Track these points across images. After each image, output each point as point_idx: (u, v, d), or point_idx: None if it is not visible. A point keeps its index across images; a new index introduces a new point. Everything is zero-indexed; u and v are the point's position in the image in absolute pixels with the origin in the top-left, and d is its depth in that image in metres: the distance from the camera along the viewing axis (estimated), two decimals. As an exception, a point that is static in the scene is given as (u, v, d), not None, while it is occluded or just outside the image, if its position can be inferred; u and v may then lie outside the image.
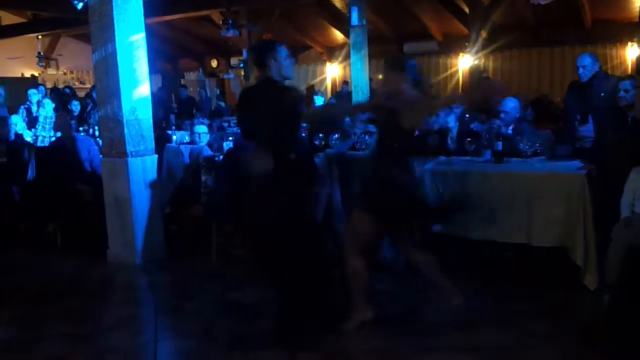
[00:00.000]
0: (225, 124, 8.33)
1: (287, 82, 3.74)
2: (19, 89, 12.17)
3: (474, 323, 3.83)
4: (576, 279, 4.24)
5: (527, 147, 4.75)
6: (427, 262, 3.84)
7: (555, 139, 5.70)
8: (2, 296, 4.76)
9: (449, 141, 5.11)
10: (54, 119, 8.33)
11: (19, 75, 16.51)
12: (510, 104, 5.43)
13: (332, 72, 16.64)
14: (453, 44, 14.07)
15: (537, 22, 12.92)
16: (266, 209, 3.61)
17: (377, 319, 3.90)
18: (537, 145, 4.77)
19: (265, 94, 3.69)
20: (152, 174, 5.42)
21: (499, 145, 4.79)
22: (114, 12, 5.04)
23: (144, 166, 5.33)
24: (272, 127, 3.58)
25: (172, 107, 11.93)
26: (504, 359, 3.45)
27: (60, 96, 10.64)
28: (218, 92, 16.09)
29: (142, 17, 5.28)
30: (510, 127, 5.31)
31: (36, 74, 16.77)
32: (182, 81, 17.57)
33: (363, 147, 5.19)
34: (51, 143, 6.73)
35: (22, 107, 9.37)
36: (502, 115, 5.31)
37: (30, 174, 6.37)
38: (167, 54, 17.34)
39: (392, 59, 3.86)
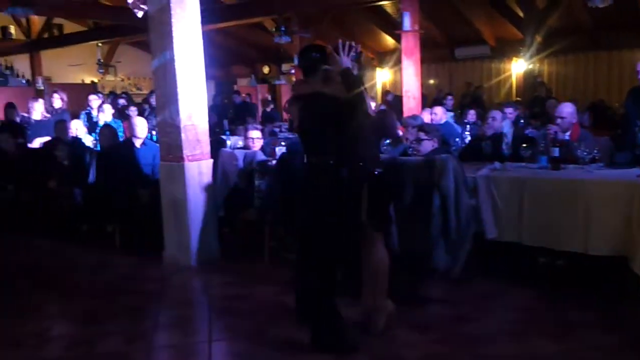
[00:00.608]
0: (277, 129, 8.44)
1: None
2: (80, 94, 12.62)
3: (527, 332, 3.77)
4: (635, 289, 4.12)
5: (585, 153, 4.65)
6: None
7: (613, 145, 5.56)
8: (66, 294, 4.97)
9: (504, 147, 5.03)
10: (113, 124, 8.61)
11: (80, 82, 17.13)
12: (567, 109, 5.34)
13: (383, 77, 16.62)
14: (506, 49, 13.84)
15: (595, 25, 12.57)
16: (304, 212, 3.68)
17: (429, 326, 3.90)
18: (595, 151, 4.67)
19: (312, 101, 3.68)
20: (208, 177, 5.55)
21: (556, 151, 4.70)
22: (173, 20, 5.19)
23: (199, 170, 5.46)
24: (316, 133, 3.61)
25: (226, 113, 12.13)
26: (561, 371, 3.39)
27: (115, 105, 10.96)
28: (270, 98, 16.30)
29: (200, 25, 5.41)
30: (567, 133, 5.21)
31: (96, 80, 17.36)
32: (235, 87, 17.86)
33: (414, 152, 5.17)
34: (112, 147, 6.93)
35: (83, 112, 9.72)
36: (558, 120, 5.21)
37: (92, 177, 6.61)
38: (220, 61, 17.65)
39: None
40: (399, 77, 13.61)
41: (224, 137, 7.12)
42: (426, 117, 7.40)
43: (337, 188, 3.53)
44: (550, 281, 4.61)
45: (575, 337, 3.68)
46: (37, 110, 9.09)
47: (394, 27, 12.27)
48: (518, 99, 12.98)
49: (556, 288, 4.47)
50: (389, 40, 15.21)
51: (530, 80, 13.05)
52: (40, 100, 9.46)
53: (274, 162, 5.48)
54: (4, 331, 4.28)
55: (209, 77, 5.73)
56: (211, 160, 5.61)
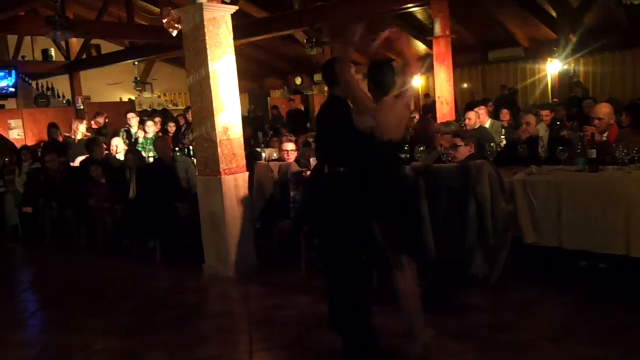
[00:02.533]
0: (311, 140, 8.50)
1: None
2: (118, 112, 12.92)
3: (569, 338, 3.72)
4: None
5: (624, 154, 4.56)
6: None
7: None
8: (110, 307, 5.10)
9: (540, 150, 4.97)
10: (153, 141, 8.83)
11: (118, 100, 17.54)
12: (604, 109, 5.25)
13: (415, 83, 16.56)
14: (540, 49, 13.64)
15: (630, 23, 12.29)
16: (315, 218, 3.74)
17: (468, 334, 3.88)
18: (635, 151, 4.57)
19: (328, 111, 3.73)
20: (244, 190, 5.63)
21: (593, 152, 4.62)
22: (206, 38, 5.30)
23: (236, 183, 5.55)
24: (329, 141, 3.67)
25: (262, 125, 12.26)
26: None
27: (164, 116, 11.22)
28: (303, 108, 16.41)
29: (232, 41, 5.52)
30: (605, 134, 5.12)
31: (133, 97, 17.76)
32: (269, 100, 18.04)
33: (449, 159, 5.16)
34: (151, 163, 7.13)
35: (122, 129, 9.98)
36: (595, 121, 5.13)
37: (132, 193, 6.77)
38: (253, 73, 17.87)
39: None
40: (431, 82, 13.56)
41: (258, 149, 7.22)
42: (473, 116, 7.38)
43: (341, 197, 3.54)
44: (592, 285, 4.52)
45: (619, 342, 3.60)
46: (80, 130, 9.37)
47: (425, 33, 12.26)
48: (555, 100, 12.78)
49: (598, 292, 4.38)
50: (421, 46, 15.13)
51: (565, 81, 12.84)
52: (84, 121, 9.75)
53: (308, 172, 5.53)
54: (52, 345, 4.43)
55: (242, 90, 5.82)
56: (247, 173, 5.69)
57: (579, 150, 4.87)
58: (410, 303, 3.57)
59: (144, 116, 11.23)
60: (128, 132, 9.62)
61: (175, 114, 13.68)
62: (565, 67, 12.74)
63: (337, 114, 3.66)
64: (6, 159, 8.67)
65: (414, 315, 3.59)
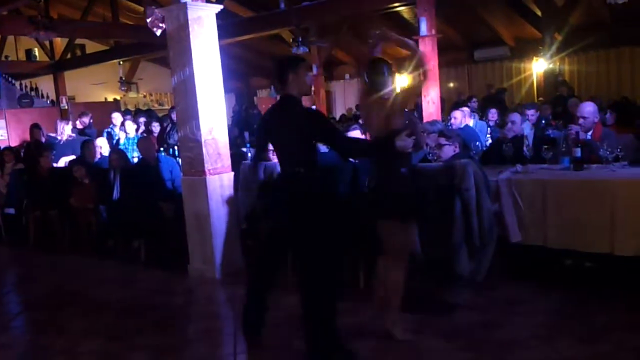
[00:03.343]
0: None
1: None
2: (103, 112, 12.82)
3: (557, 336, 3.72)
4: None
5: (608, 152, 4.58)
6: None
7: (638, 142, 5.47)
8: (92, 309, 5.04)
9: (525, 149, 4.99)
10: (135, 140, 8.76)
11: (103, 100, 17.41)
12: (589, 108, 5.27)
13: (402, 83, 16.57)
14: (526, 49, 13.72)
15: (615, 22, 12.40)
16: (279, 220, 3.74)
17: (456, 333, 3.88)
18: (619, 150, 4.59)
19: (285, 112, 3.66)
20: (230, 190, 5.59)
21: (578, 151, 4.65)
22: (191, 37, 5.26)
23: (221, 183, 5.51)
24: (289, 144, 3.62)
25: (248, 125, 12.21)
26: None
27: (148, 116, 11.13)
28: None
29: (217, 40, 5.48)
30: (589, 133, 5.14)
31: (118, 97, 17.63)
32: (255, 99, 17.99)
33: (435, 158, 5.16)
34: (135, 164, 7.07)
35: (105, 130, 9.89)
36: (580, 120, 5.15)
37: (116, 193, 6.71)
38: (239, 73, 17.81)
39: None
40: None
41: (244, 149, 7.18)
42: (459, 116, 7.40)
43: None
44: (577, 283, 4.54)
45: (606, 340, 3.62)
46: (66, 132, 9.27)
47: (411, 33, 12.28)
48: (540, 99, 12.85)
49: (584, 290, 4.40)
50: (407, 46, 15.17)
51: (551, 80, 12.93)
52: (70, 122, 9.66)
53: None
54: (35, 347, 4.37)
55: (228, 90, 5.79)
56: (232, 174, 5.66)
57: (564, 149, 4.90)
58: (394, 293, 3.67)
59: (127, 116, 11.11)
60: (111, 132, 9.54)
61: (161, 114, 13.60)
62: (551, 66, 12.82)
63: (296, 114, 3.59)
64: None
65: (395, 304, 3.68)
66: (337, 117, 15.03)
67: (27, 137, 10.10)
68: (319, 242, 3.53)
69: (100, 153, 8.01)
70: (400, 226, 3.64)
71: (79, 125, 9.80)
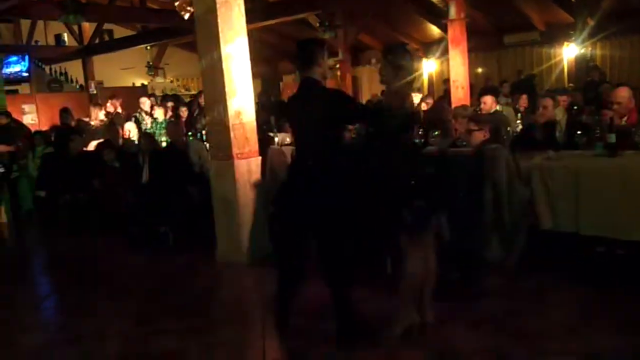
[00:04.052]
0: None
1: None
2: (131, 97, 12.94)
3: (587, 326, 3.66)
4: None
5: (644, 138, 4.46)
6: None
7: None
8: (120, 292, 5.11)
9: (557, 134, 4.88)
10: (163, 125, 8.82)
11: (131, 85, 17.56)
12: (623, 93, 5.14)
13: (429, 68, 16.39)
14: (557, 33, 13.43)
15: (650, 6, 12.08)
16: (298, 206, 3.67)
17: (484, 320, 3.83)
18: (655, 136, 4.47)
19: (306, 96, 3.58)
20: (257, 175, 5.59)
21: (613, 137, 4.53)
22: (219, 21, 5.23)
23: (248, 168, 5.51)
24: (307, 131, 3.58)
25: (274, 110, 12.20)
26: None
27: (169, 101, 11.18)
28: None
29: (245, 24, 5.45)
30: (624, 118, 5.01)
31: (146, 82, 17.76)
32: (281, 84, 17.97)
33: (464, 143, 5.08)
34: (163, 148, 7.12)
35: (133, 114, 9.97)
36: (615, 105, 5.03)
37: (145, 177, 6.76)
38: (266, 58, 17.79)
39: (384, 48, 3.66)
40: (446, 67, 13.42)
41: (271, 134, 7.15)
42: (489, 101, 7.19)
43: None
44: (609, 272, 4.45)
45: (638, 330, 3.54)
46: (99, 116, 9.40)
47: (439, 17, 12.11)
48: (570, 85, 12.60)
49: (616, 279, 4.31)
50: (435, 30, 14.98)
51: (582, 65, 12.66)
52: (102, 107, 9.78)
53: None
54: (64, 328, 4.45)
55: (255, 75, 5.76)
56: (260, 158, 5.65)
57: (597, 135, 4.78)
58: (410, 285, 3.54)
59: (155, 102, 11.18)
60: (140, 116, 9.62)
61: (187, 100, 13.67)
62: (582, 51, 12.54)
63: (317, 97, 3.52)
64: (20, 144, 8.70)
65: (407, 297, 3.56)
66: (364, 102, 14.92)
67: (57, 121, 10.23)
68: (331, 234, 3.54)
69: (123, 136, 8.11)
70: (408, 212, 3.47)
71: (110, 108, 9.89)
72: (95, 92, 14.49)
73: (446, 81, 14.33)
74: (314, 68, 3.56)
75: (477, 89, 11.82)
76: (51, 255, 7.00)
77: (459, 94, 8.94)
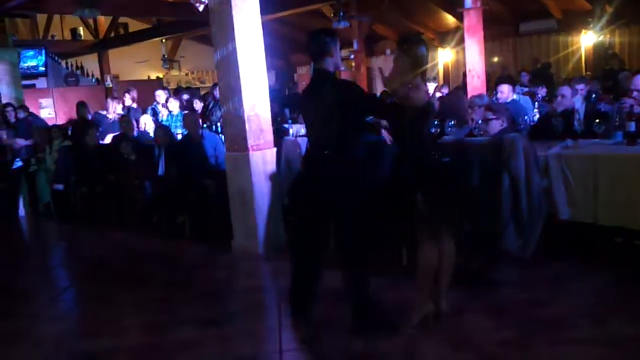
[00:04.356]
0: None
1: None
2: (147, 90, 13.00)
3: (605, 315, 3.62)
4: None
5: (664, 126, 4.39)
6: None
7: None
8: (138, 283, 5.15)
9: (576, 123, 4.82)
10: (179, 117, 8.85)
11: (146, 78, 17.64)
12: (644, 81, 5.06)
13: (445, 57, 16.28)
14: (574, 21, 13.26)
15: (670, -9, 11.86)
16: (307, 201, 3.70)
17: (502, 310, 3.81)
18: (676, 123, 4.40)
19: (318, 88, 3.54)
20: (272, 166, 5.59)
21: (632, 125, 4.46)
22: (233, 12, 5.22)
23: (264, 159, 5.51)
24: (320, 122, 3.55)
25: (289, 102, 12.21)
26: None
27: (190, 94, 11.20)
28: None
29: (259, 16, 5.44)
30: (644, 106, 4.94)
31: (161, 75, 17.85)
32: (295, 76, 17.95)
33: (481, 133, 5.04)
34: (179, 140, 7.14)
35: (149, 107, 10.02)
36: (635, 93, 4.95)
37: (161, 169, 6.80)
38: (279, 50, 17.77)
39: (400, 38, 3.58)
40: (461, 56, 13.30)
41: (286, 125, 7.17)
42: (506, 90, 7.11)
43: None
44: (627, 261, 4.40)
45: (658, 322, 3.50)
46: (117, 110, 9.45)
47: (455, 5, 12.00)
48: (588, 73, 12.44)
49: (634, 269, 4.26)
50: (450, 19, 14.87)
51: (600, 53, 12.48)
52: (120, 101, 9.84)
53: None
54: (84, 320, 4.51)
55: (269, 66, 5.76)
56: (275, 149, 5.65)
57: (617, 123, 4.71)
58: (424, 272, 3.54)
59: (170, 94, 11.21)
60: (155, 109, 9.66)
61: (202, 92, 13.70)
62: (601, 38, 12.36)
63: (330, 88, 3.48)
64: (37, 138, 8.79)
65: (422, 284, 3.56)
66: (378, 94, 14.86)
67: (74, 115, 10.31)
68: (348, 222, 3.54)
69: (139, 128, 8.15)
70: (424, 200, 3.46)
71: (128, 102, 9.94)
72: (111, 85, 14.59)
73: (464, 73, 14.23)
74: (326, 59, 3.53)
75: (494, 78, 11.72)
76: (69, 248, 7.07)
77: (476, 83, 8.86)
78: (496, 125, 4.67)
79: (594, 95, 6.48)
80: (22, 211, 8.56)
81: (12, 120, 9.69)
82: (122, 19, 15.57)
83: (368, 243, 3.67)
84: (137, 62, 17.47)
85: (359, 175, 3.57)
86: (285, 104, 10.23)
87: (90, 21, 14.57)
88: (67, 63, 15.11)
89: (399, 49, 3.57)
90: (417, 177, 3.43)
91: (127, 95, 10.04)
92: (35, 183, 8.57)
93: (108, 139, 8.43)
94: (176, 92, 11.97)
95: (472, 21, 8.83)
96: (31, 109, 10.64)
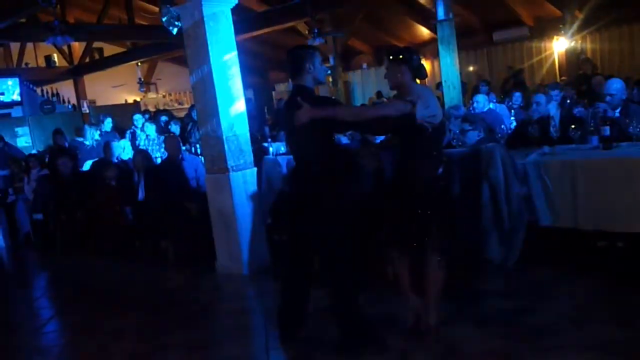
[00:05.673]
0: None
1: None
2: (124, 114, 12.91)
3: (591, 320, 3.65)
4: None
5: (638, 129, 4.45)
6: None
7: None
8: (124, 309, 5.08)
9: (552, 130, 4.87)
10: (156, 141, 8.80)
11: (123, 102, 17.53)
12: (616, 85, 5.14)
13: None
14: (546, 28, 13.45)
15: (638, -4, 12.10)
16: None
17: (488, 319, 3.81)
18: (649, 126, 4.46)
19: (296, 104, 3.47)
20: (253, 186, 5.57)
21: (607, 130, 4.52)
22: (207, 34, 5.23)
23: (244, 179, 5.49)
24: (300, 139, 3.57)
25: (265, 120, 12.23)
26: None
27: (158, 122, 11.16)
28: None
29: (233, 36, 5.45)
30: (617, 110, 5.01)
31: (138, 99, 17.75)
32: (274, 94, 17.96)
33: (459, 144, 5.08)
34: (159, 164, 7.09)
35: (127, 131, 9.96)
36: (607, 97, 5.03)
37: (141, 194, 6.74)
38: (257, 68, 17.79)
39: (393, 50, 3.55)
40: (437, 67, 13.42)
41: (265, 144, 7.14)
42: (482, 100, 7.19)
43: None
44: (611, 265, 4.43)
45: (643, 322, 3.53)
46: (94, 136, 9.39)
47: (428, 17, 12.13)
48: (563, 78, 12.61)
49: (618, 271, 4.29)
50: (424, 31, 15.00)
51: (573, 58, 12.66)
52: (97, 128, 9.77)
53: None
54: (68, 348, 4.43)
55: (246, 85, 5.75)
56: (255, 169, 5.63)
57: (592, 128, 4.77)
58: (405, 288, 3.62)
59: (146, 118, 11.15)
60: (134, 134, 9.60)
61: (181, 114, 13.64)
62: (572, 44, 12.55)
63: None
64: (14, 169, 8.68)
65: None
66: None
67: (51, 142, 10.20)
68: (332, 240, 3.54)
69: (118, 155, 8.10)
70: (430, 217, 3.47)
71: (105, 128, 9.88)
72: (87, 111, 14.47)
73: (439, 84, 14.35)
74: (304, 75, 3.55)
75: (470, 88, 11.84)
76: (51, 277, 6.97)
77: (451, 94, 8.95)
78: (473, 135, 4.71)
79: (568, 101, 6.58)
80: (1, 242, 8.42)
81: (-13, 150, 9.55)
82: (96, 44, 15.49)
83: (354, 261, 3.65)
84: (114, 87, 17.36)
85: (342, 191, 3.57)
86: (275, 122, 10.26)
87: (65, 47, 14.45)
88: (42, 90, 14.96)
89: (391, 61, 3.52)
90: (412, 192, 3.44)
91: (102, 122, 10.01)
92: (14, 213, 8.44)
93: (87, 166, 8.35)
94: (155, 115, 11.91)
95: (446, 32, 8.94)
96: (7, 138, 10.49)
